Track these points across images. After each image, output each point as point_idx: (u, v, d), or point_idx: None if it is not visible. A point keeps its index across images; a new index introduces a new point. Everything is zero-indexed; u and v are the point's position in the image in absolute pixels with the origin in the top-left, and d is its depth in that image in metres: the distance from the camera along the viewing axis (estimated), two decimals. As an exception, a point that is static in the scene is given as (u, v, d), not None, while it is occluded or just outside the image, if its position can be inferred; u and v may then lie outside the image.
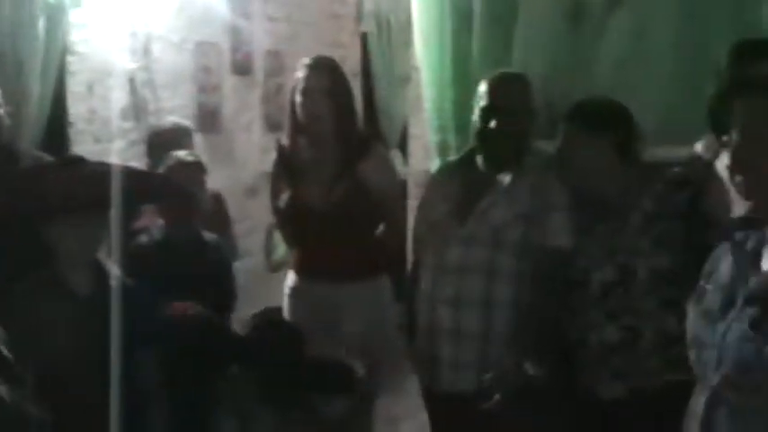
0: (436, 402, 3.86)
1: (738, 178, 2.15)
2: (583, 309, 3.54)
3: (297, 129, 4.29)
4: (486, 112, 3.67)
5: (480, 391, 3.51)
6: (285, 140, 4.37)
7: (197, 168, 4.35)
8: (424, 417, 4.01)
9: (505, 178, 3.69)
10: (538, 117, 3.84)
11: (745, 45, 3.90)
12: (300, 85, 4.21)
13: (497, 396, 3.46)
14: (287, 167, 4.32)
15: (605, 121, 3.55)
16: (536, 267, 3.60)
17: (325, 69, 4.28)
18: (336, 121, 4.21)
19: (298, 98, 4.22)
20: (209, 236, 4.33)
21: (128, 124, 5.05)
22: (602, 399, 3.52)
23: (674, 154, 3.95)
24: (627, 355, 3.48)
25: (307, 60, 4.31)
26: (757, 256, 2.19)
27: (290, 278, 4.44)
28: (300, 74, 4.24)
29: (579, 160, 3.55)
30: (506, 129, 3.64)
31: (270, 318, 4.40)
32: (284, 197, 4.30)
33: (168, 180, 4.17)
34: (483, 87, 3.73)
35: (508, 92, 3.71)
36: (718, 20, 4.62)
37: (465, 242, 3.66)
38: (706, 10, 4.69)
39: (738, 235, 2.28)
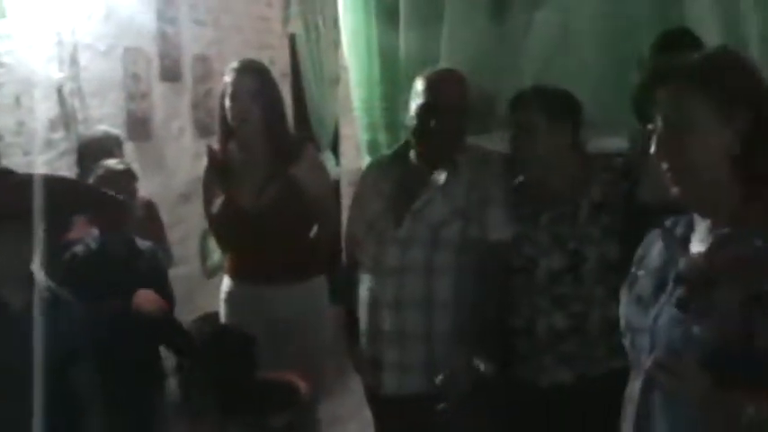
0: (381, 405, 3.85)
1: (664, 165, 2.19)
2: (528, 296, 3.55)
3: (227, 133, 4.29)
4: (425, 111, 3.65)
5: (432, 392, 3.51)
6: (216, 145, 4.36)
7: (128, 176, 4.31)
8: (368, 416, 4.01)
9: (441, 176, 3.68)
10: (470, 114, 3.83)
11: (669, 35, 3.97)
12: (229, 89, 4.21)
13: (451, 397, 3.46)
14: (218, 172, 4.32)
15: (562, 108, 3.58)
16: (478, 262, 3.61)
17: (253, 72, 4.29)
18: (266, 124, 4.22)
19: (227, 102, 4.21)
20: (143, 243, 4.31)
21: (57, 135, 4.99)
22: (545, 386, 3.54)
23: (601, 145, 3.99)
24: (574, 341, 3.51)
25: (235, 64, 4.32)
26: (686, 241, 2.22)
27: (226, 283, 4.44)
28: (228, 78, 4.24)
29: (531, 148, 3.56)
30: (445, 127, 3.64)
31: (219, 324, 4.39)
32: (217, 202, 4.29)
33: (99, 189, 4.14)
34: (420, 85, 3.70)
35: (446, 89, 3.70)
36: (641, 11, 4.68)
37: (402, 243, 3.64)
38: (629, 2, 4.76)
39: (668, 221, 2.32)
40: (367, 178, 3.96)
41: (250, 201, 4.19)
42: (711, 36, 4.43)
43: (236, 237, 4.38)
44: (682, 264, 2.11)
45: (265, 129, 4.21)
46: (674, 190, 2.18)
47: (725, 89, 2.12)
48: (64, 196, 3.42)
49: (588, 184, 3.55)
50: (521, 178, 3.68)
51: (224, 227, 4.41)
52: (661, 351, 2.09)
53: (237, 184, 4.25)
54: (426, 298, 3.61)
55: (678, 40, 4.05)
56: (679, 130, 2.15)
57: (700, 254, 2.11)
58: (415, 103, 3.69)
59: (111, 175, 4.23)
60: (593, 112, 3.84)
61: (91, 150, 4.86)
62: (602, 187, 3.53)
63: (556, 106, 3.56)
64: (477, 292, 3.60)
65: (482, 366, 3.45)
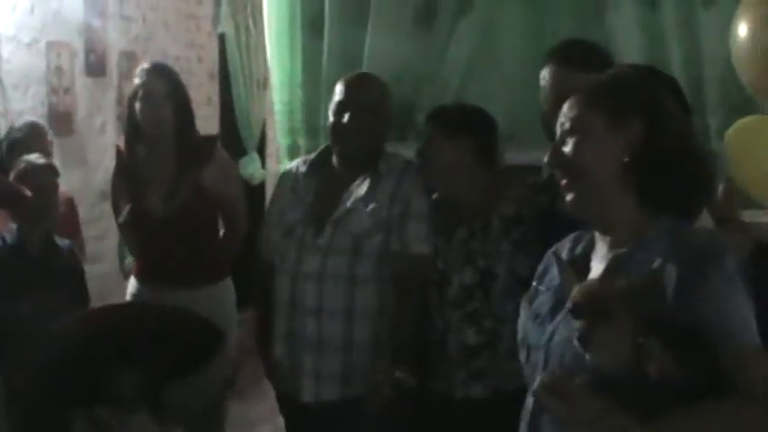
0: (296, 413, 3.80)
1: (558, 174, 2.22)
2: (442, 311, 3.54)
3: (135, 135, 4.25)
4: (341, 107, 3.67)
5: (348, 401, 3.54)
6: (123, 147, 4.33)
7: (49, 171, 4.28)
8: (280, 421, 4.00)
9: (363, 185, 3.66)
10: (391, 122, 3.85)
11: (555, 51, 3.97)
12: (140, 91, 4.19)
13: (371, 407, 3.47)
14: (127, 175, 4.29)
15: (466, 125, 3.55)
16: (397, 275, 3.61)
17: (163, 74, 4.26)
18: (176, 127, 4.20)
19: (137, 104, 4.19)
20: (62, 241, 4.28)
21: (-22, 127, 4.96)
22: (459, 399, 3.53)
23: (520, 159, 4.02)
24: (486, 357, 3.49)
25: (145, 66, 4.30)
26: (586, 259, 2.24)
27: (132, 284, 4.40)
28: (138, 80, 4.22)
29: (440, 163, 3.54)
30: (360, 125, 3.63)
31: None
32: (125, 209, 4.26)
33: (19, 185, 4.11)
34: (338, 86, 3.72)
35: (363, 89, 3.71)
36: (563, 26, 4.73)
37: (324, 251, 3.62)
38: (552, 12, 4.82)
39: (569, 239, 2.34)
40: (286, 182, 3.89)
41: (158, 207, 4.15)
42: (632, 52, 4.50)
43: (143, 242, 4.35)
44: (576, 291, 2.08)
45: (175, 132, 4.19)
46: (569, 201, 2.19)
47: (618, 99, 2.14)
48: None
49: (500, 199, 3.54)
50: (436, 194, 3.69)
51: (132, 233, 4.38)
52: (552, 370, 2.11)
53: (145, 187, 4.21)
54: (347, 307, 3.59)
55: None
56: (571, 137, 2.17)
57: (593, 281, 2.11)
58: (334, 101, 3.71)
59: (33, 169, 4.20)
60: (513, 125, 3.88)
61: (15, 142, 4.83)
62: (515, 202, 3.53)
63: (459, 124, 3.55)
64: (398, 303, 3.59)
65: (403, 378, 3.46)
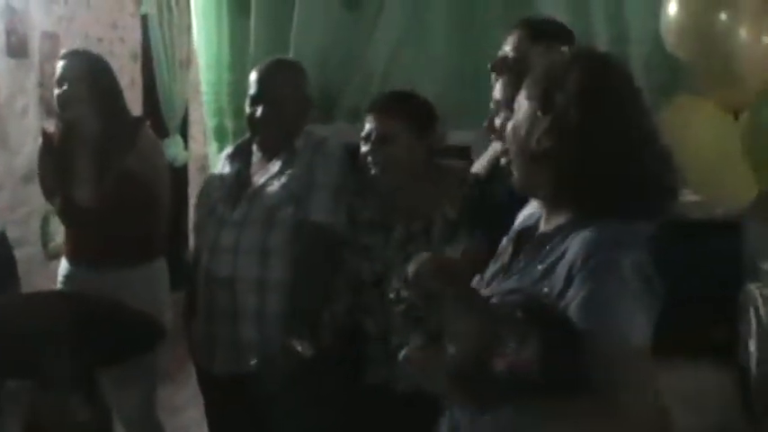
0: (212, 385, 3.84)
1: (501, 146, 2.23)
2: (382, 309, 3.45)
3: (59, 120, 4.21)
4: (253, 101, 3.72)
5: (254, 373, 3.55)
6: (52, 128, 4.27)
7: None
8: (207, 403, 4.00)
9: (277, 163, 3.73)
10: (311, 103, 3.87)
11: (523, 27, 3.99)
12: (58, 76, 4.14)
13: (271, 378, 3.49)
14: (52, 158, 4.22)
15: (418, 119, 3.52)
16: (300, 244, 3.65)
17: (82, 59, 4.21)
18: (98, 112, 4.12)
19: (56, 90, 4.14)
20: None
21: None
22: (400, 392, 3.44)
23: (449, 139, 4.02)
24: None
25: (64, 50, 4.25)
26: (535, 231, 2.24)
27: (63, 266, 4.36)
28: (59, 65, 4.17)
29: (378, 153, 3.50)
30: (273, 118, 3.69)
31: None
32: (56, 199, 4.22)
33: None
34: (252, 76, 3.76)
35: (275, 81, 3.74)
36: (491, 7, 4.75)
37: (238, 223, 3.68)
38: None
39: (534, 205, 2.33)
40: (218, 166, 3.99)
41: (85, 193, 4.07)
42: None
43: (75, 230, 4.31)
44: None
45: (98, 117, 4.11)
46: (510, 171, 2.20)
47: (550, 82, 2.10)
48: None
49: (443, 198, 3.46)
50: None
51: (60, 214, 4.35)
52: None
53: (71, 173, 4.13)
54: (260, 278, 3.64)
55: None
56: (509, 116, 2.19)
57: (424, 256, 2.21)
58: (249, 93, 3.75)
59: None
60: (441, 106, 3.87)
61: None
62: (458, 203, 3.44)
63: (415, 117, 3.52)
64: (299, 273, 3.62)
65: (300, 348, 3.47)
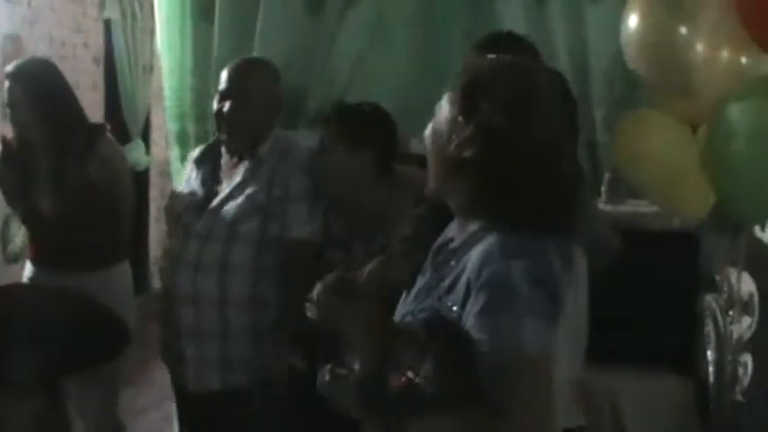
0: (184, 400, 3.83)
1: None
2: None
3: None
4: (222, 96, 3.66)
5: (228, 390, 3.56)
6: (11, 136, 4.22)
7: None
8: (169, 407, 4.00)
9: (241, 170, 3.67)
10: (282, 105, 3.84)
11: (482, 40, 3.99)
12: (6, 99, 4.10)
13: (266, 391, 3.50)
14: (13, 167, 4.16)
15: (364, 132, 3.52)
16: (279, 260, 3.60)
17: (26, 79, 4.11)
18: (52, 128, 4.06)
19: (8, 110, 4.09)
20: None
21: None
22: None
23: (410, 149, 4.02)
24: None
25: (9, 68, 4.17)
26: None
27: (28, 268, 4.33)
28: (5, 85, 4.11)
29: (335, 169, 3.52)
30: (241, 114, 3.63)
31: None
32: (19, 209, 4.22)
33: None
34: (224, 72, 3.71)
35: (246, 77, 3.70)
36: (453, 19, 4.77)
37: (201, 237, 3.62)
38: (441, 8, 4.85)
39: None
40: (186, 171, 3.95)
41: (45, 202, 4.03)
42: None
43: (34, 232, 4.29)
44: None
45: (48, 135, 4.05)
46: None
47: (471, 94, 2.07)
48: None
49: (400, 216, 3.34)
50: None
51: (27, 228, 4.36)
52: None
53: (31, 181, 4.09)
54: (220, 295, 3.60)
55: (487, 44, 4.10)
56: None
57: (333, 275, 2.29)
58: (218, 89, 3.71)
59: None
60: (404, 113, 3.88)
61: None
62: (413, 221, 3.28)
63: (350, 128, 3.52)
64: (282, 288, 3.58)
65: (295, 362, 3.48)
